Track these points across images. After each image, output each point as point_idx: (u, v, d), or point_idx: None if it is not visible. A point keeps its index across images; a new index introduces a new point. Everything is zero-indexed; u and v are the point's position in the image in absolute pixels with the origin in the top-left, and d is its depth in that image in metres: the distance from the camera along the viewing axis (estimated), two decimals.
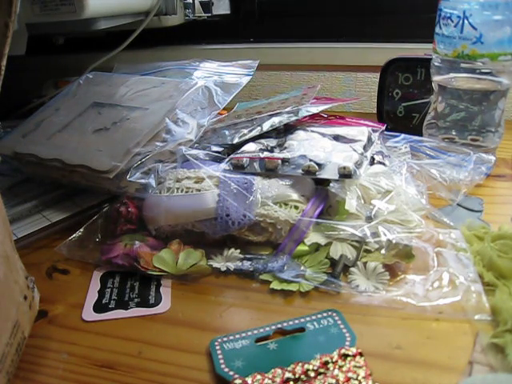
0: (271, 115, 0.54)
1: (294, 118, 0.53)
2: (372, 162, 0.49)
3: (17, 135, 0.56)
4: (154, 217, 0.45)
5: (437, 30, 0.55)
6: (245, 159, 0.46)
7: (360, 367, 0.30)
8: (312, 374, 0.30)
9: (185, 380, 0.31)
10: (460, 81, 0.55)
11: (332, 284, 0.38)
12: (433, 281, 0.37)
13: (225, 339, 0.34)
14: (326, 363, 0.30)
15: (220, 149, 0.52)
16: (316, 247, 0.42)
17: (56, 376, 0.32)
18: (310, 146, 0.49)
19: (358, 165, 0.45)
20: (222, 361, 0.32)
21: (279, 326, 0.34)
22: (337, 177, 0.43)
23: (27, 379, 0.32)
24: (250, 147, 0.50)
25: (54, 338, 0.36)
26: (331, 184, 0.43)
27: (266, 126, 0.53)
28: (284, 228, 0.42)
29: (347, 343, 0.33)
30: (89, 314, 0.38)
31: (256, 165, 0.47)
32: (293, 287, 0.38)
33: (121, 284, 0.41)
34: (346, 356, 0.30)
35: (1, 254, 0.30)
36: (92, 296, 0.39)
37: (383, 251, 0.40)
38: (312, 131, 0.53)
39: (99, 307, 0.38)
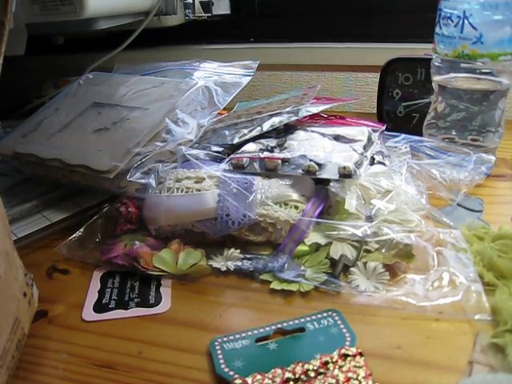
0: (271, 115, 0.54)
1: (293, 118, 0.53)
2: (372, 162, 0.49)
3: (17, 135, 0.56)
4: (154, 217, 0.45)
5: (437, 30, 0.55)
6: (245, 159, 0.46)
7: (360, 367, 0.30)
8: (312, 374, 0.30)
9: (185, 380, 0.31)
10: (460, 81, 0.55)
11: (332, 284, 0.38)
12: (433, 280, 0.37)
13: (225, 339, 0.34)
14: (326, 363, 0.30)
15: (220, 149, 0.52)
16: (316, 247, 0.42)
17: (56, 376, 0.32)
18: (310, 146, 0.49)
19: (358, 165, 0.45)
20: (222, 361, 0.32)
21: (279, 325, 0.34)
22: (337, 177, 0.43)
23: (27, 379, 0.32)
24: (250, 147, 0.50)
25: (53, 338, 0.36)
26: (331, 184, 0.43)
27: (266, 126, 0.53)
28: (284, 228, 0.42)
29: (347, 343, 0.32)
30: (89, 313, 0.38)
31: (256, 165, 0.46)
32: (293, 287, 0.38)
33: (121, 284, 0.41)
34: (346, 356, 0.30)
35: (1, 251, 0.30)
36: (92, 296, 0.39)
37: (383, 251, 0.40)
38: (312, 131, 0.53)
39: (99, 307, 0.38)
